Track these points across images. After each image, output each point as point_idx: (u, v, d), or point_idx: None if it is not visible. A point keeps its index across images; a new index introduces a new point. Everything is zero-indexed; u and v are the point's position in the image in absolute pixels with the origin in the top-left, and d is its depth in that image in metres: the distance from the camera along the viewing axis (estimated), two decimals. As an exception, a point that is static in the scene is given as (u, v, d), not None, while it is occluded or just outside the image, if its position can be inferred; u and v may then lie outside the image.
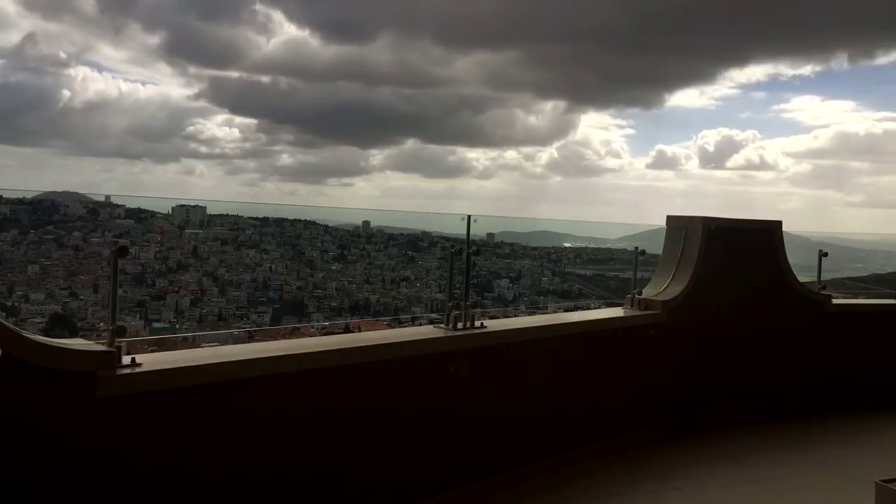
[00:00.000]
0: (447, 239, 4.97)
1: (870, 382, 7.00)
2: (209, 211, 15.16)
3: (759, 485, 4.89)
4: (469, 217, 4.62)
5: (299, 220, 15.74)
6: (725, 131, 53.38)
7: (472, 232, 4.63)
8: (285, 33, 41.90)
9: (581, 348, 5.16)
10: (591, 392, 5.27)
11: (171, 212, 14.98)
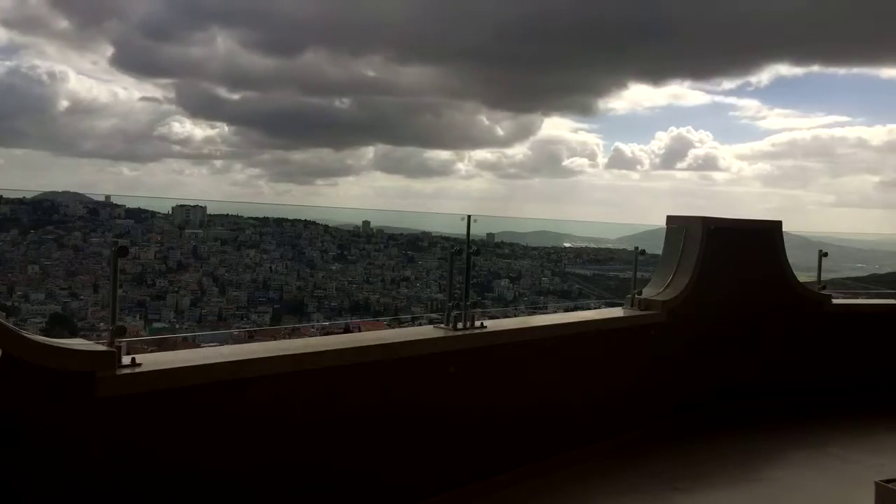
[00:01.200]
0: (447, 239, 4.96)
1: (870, 382, 7.00)
2: (209, 211, 15.15)
3: (760, 484, 4.89)
4: (469, 217, 4.62)
5: (299, 221, 15.74)
6: (680, 132, 57.03)
7: (471, 232, 4.62)
8: (230, 48, 45.06)
9: (581, 348, 5.16)
10: (591, 392, 5.27)
11: (171, 212, 14.97)
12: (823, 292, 6.89)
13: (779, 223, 6.81)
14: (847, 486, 4.89)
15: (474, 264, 4.60)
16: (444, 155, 49.35)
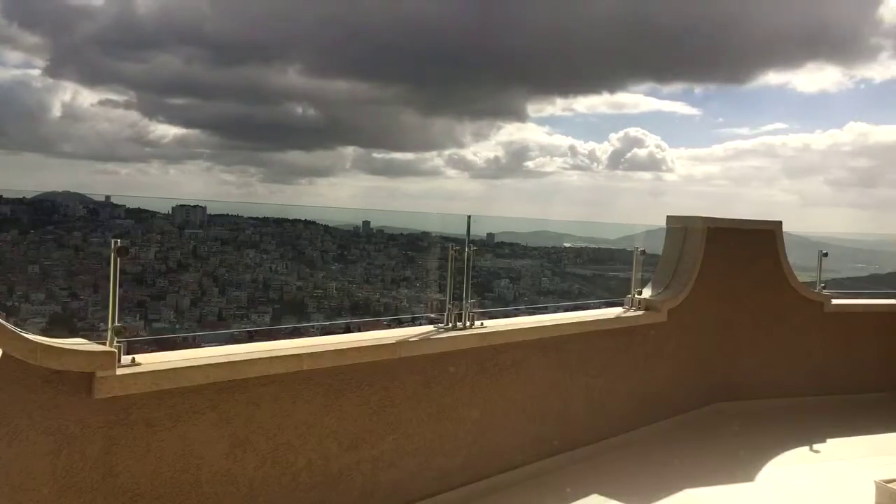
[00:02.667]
0: (446, 239, 4.96)
1: (869, 382, 7.00)
2: (209, 211, 15.16)
3: (760, 484, 4.89)
4: (469, 217, 4.62)
5: (299, 221, 15.74)
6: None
7: (471, 231, 4.62)
8: (184, 54, 46.54)
9: (581, 348, 5.16)
10: (590, 392, 5.27)
11: (171, 212, 14.98)
12: (823, 292, 6.90)
13: (779, 223, 6.81)
14: (847, 485, 4.89)
15: (474, 264, 4.59)
16: (409, 156, 52.32)
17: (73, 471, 2.83)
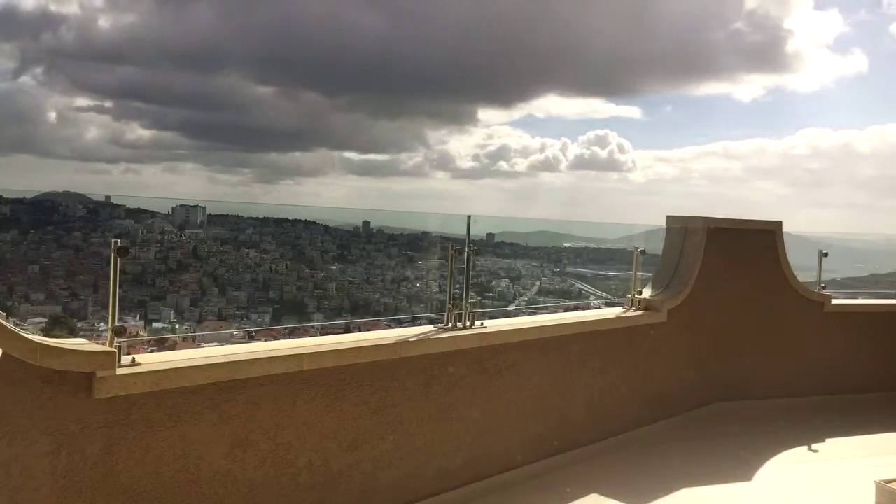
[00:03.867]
0: (447, 239, 4.96)
1: (869, 382, 7.00)
2: (209, 211, 15.16)
3: (759, 484, 4.89)
4: (469, 217, 4.62)
5: (299, 221, 15.74)
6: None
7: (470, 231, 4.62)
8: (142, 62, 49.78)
9: (581, 348, 5.16)
10: (590, 392, 5.27)
11: (171, 212, 14.98)
12: (823, 292, 6.90)
13: (779, 223, 6.81)
14: (847, 485, 4.90)
15: (474, 264, 4.59)
16: (382, 158, 54.71)
17: (73, 471, 2.83)
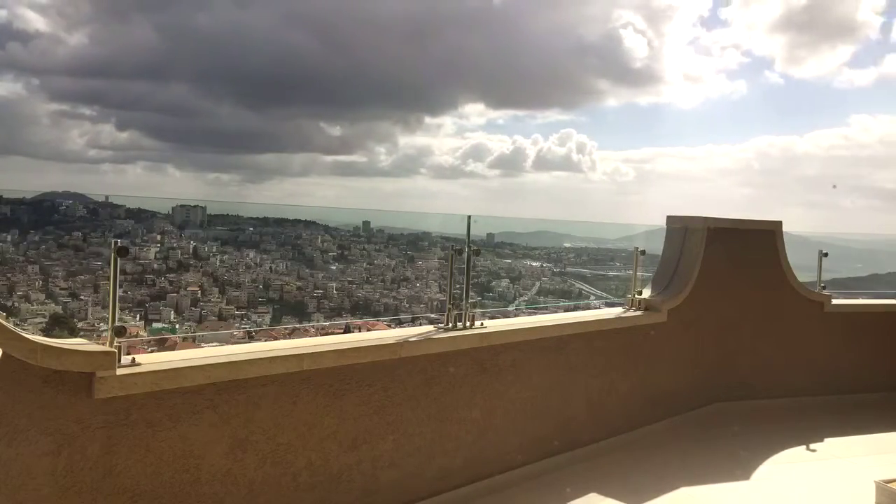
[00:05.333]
0: (447, 239, 4.97)
1: (869, 382, 7.00)
2: (209, 211, 15.16)
3: (759, 484, 4.89)
4: (469, 217, 4.62)
5: (299, 221, 15.75)
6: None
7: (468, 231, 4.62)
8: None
9: (581, 348, 5.16)
10: (590, 392, 5.27)
11: (171, 212, 14.98)
12: (824, 292, 6.90)
13: (779, 223, 6.81)
14: (847, 485, 4.89)
15: (474, 264, 4.59)
16: (352, 157, 59.31)
17: (73, 471, 2.83)
